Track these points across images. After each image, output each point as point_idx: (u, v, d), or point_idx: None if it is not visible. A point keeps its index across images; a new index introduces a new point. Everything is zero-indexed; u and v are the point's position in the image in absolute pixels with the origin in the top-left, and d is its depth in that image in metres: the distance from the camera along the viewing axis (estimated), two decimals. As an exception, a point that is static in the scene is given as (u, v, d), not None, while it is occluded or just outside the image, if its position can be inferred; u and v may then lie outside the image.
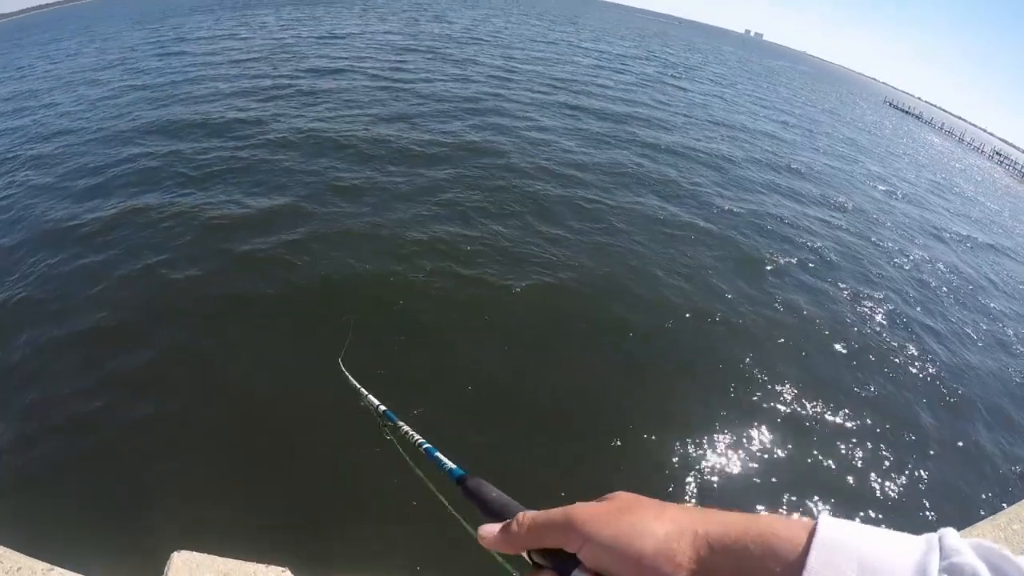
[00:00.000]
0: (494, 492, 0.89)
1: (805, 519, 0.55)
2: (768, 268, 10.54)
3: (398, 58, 23.30)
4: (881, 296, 10.65)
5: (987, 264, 15.55)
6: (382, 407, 1.84)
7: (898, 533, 0.53)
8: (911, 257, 13.54)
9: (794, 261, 11.00)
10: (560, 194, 11.60)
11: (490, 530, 0.74)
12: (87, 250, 8.57)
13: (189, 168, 11.56)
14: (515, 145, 14.23)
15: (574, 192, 11.79)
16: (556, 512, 0.67)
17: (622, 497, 0.67)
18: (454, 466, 1.10)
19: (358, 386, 2.09)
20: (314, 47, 25.50)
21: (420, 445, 1.34)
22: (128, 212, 9.68)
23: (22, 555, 2.65)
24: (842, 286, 10.60)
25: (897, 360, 8.75)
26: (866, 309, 10.04)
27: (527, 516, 0.70)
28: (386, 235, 9.17)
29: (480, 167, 12.40)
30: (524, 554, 0.72)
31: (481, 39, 34.03)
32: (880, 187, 19.93)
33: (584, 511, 0.64)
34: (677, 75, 36.09)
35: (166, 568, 2.62)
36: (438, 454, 1.21)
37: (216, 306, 7.41)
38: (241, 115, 14.77)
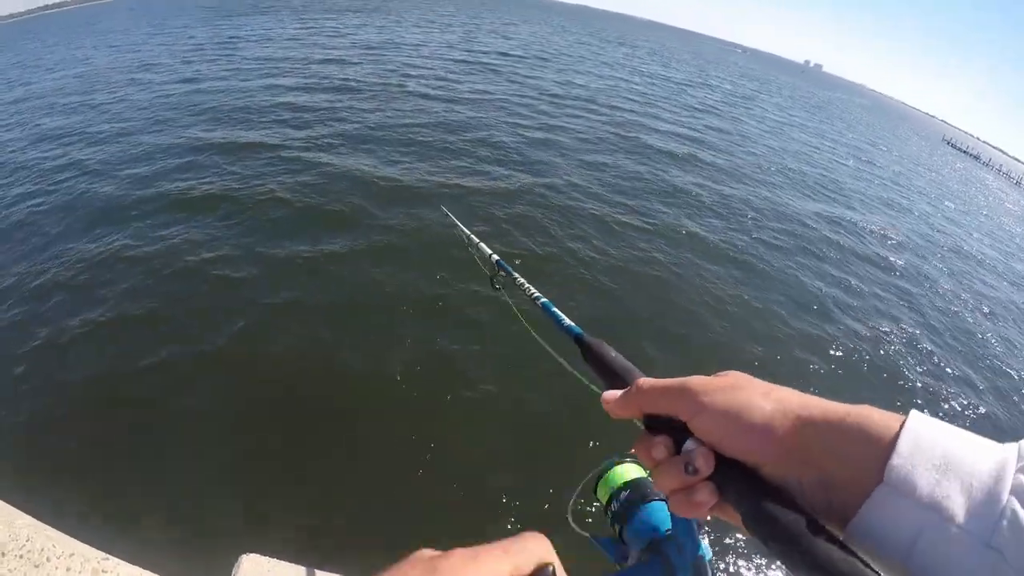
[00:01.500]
0: (613, 353, 0.89)
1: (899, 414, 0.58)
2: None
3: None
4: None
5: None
6: (495, 256, 1.83)
7: (984, 438, 0.55)
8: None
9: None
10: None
11: (612, 394, 0.77)
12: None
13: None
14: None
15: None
16: (674, 380, 0.70)
17: (735, 375, 0.69)
18: (572, 323, 1.08)
19: (468, 232, 2.01)
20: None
21: (536, 299, 1.31)
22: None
23: (76, 541, 2.52)
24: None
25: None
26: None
27: (647, 381, 0.74)
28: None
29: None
30: (639, 423, 0.76)
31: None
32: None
33: (700, 382, 0.68)
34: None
35: (234, 571, 2.50)
36: (555, 310, 1.18)
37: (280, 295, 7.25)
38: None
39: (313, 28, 33.67)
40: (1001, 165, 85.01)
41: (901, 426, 0.55)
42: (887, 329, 9.97)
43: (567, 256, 8.97)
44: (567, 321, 1.10)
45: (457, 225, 2.18)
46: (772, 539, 0.55)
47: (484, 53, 29.36)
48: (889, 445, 0.54)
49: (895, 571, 0.52)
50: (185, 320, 6.65)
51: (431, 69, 22.00)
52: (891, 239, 15.65)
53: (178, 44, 28.07)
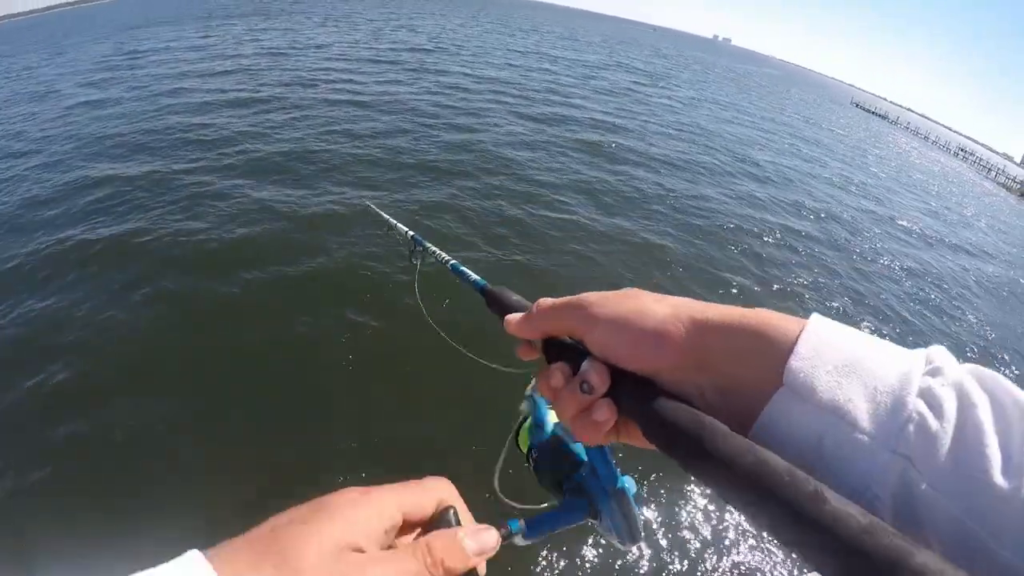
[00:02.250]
0: (515, 296, 0.92)
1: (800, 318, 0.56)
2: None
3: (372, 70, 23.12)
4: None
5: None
6: (410, 232, 1.85)
7: (891, 343, 0.53)
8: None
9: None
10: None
11: (514, 316, 0.76)
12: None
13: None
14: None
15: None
16: (569, 297, 0.68)
17: (630, 289, 0.67)
18: (477, 277, 1.11)
19: (387, 217, 2.06)
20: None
21: (446, 262, 1.38)
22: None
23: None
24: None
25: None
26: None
27: (545, 300, 0.72)
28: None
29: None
30: (541, 354, 0.75)
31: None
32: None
33: (595, 296, 0.66)
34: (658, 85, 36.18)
35: None
36: (463, 268, 1.22)
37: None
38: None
39: (217, 37, 32.56)
40: (908, 122, 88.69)
41: (802, 329, 0.53)
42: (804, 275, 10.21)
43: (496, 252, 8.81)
44: (473, 276, 1.14)
45: (380, 214, 2.21)
46: (674, 444, 0.54)
47: (393, 50, 28.85)
48: (789, 347, 0.52)
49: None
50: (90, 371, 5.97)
51: (339, 72, 21.52)
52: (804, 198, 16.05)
53: (78, 64, 26.63)
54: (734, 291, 9.17)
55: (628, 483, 0.86)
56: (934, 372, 0.50)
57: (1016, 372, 9.74)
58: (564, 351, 0.69)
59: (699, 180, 14.90)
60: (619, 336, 0.61)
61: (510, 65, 28.45)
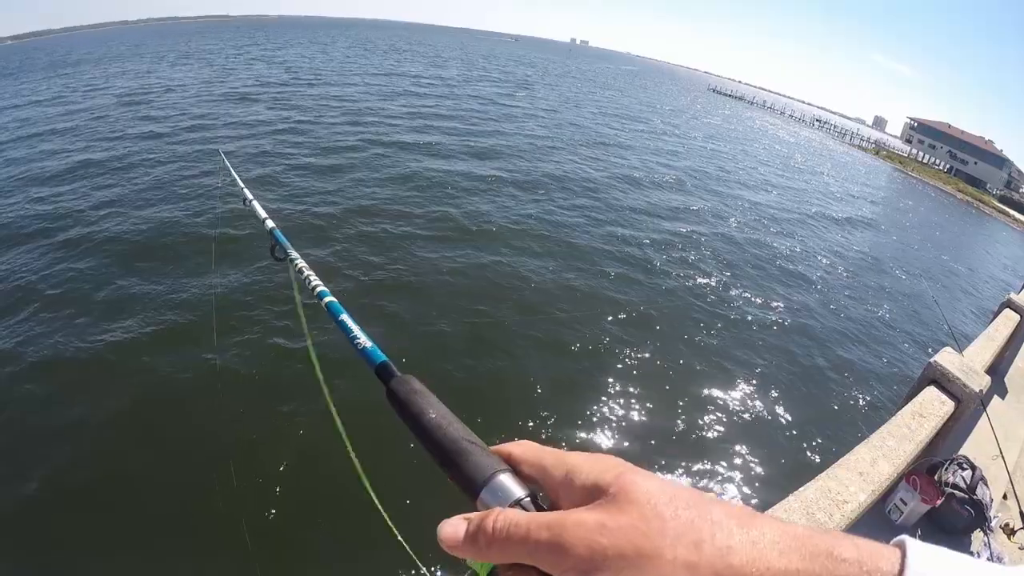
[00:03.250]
0: (433, 413, 0.62)
1: (886, 546, 0.40)
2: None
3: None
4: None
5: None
6: (269, 222, 1.55)
7: (995, 566, 0.38)
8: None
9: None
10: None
11: (453, 530, 0.51)
12: None
13: None
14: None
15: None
16: (546, 531, 0.45)
17: (634, 502, 0.45)
18: (370, 344, 0.79)
19: (243, 185, 1.76)
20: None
21: (320, 295, 1.01)
22: None
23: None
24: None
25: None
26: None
27: (503, 522, 0.48)
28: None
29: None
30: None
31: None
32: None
33: (585, 539, 0.44)
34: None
35: None
36: (345, 318, 0.89)
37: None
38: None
39: (67, 85, 30.49)
40: (765, 101, 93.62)
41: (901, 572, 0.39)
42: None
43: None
44: (361, 340, 0.81)
45: (231, 174, 1.96)
46: None
47: (259, 83, 27.88)
48: None
49: None
50: None
51: (188, 113, 20.45)
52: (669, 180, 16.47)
53: None
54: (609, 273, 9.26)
55: None
56: None
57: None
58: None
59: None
60: None
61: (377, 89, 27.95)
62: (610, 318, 8.18)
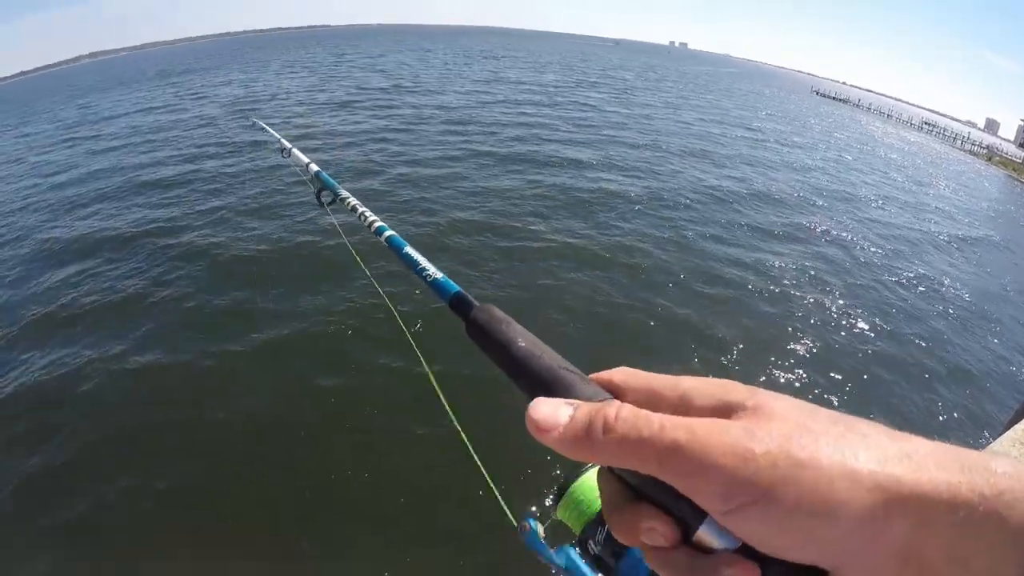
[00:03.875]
0: (522, 342, 0.55)
1: None
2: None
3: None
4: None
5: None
6: (313, 166, 1.50)
7: None
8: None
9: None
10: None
11: (549, 414, 0.44)
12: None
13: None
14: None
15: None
16: (684, 431, 0.39)
17: (777, 414, 0.39)
18: (441, 275, 0.73)
19: (279, 136, 1.73)
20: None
21: (379, 231, 0.96)
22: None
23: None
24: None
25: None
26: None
27: (630, 413, 0.41)
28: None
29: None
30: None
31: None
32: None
33: (734, 447, 0.37)
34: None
35: None
36: (411, 251, 0.83)
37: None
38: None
39: (175, 93, 32.25)
40: (871, 104, 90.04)
41: None
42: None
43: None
44: (431, 271, 0.74)
45: (267, 131, 1.96)
46: None
47: (362, 90, 28.77)
48: None
49: None
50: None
51: (288, 113, 21.35)
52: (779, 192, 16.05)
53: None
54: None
55: None
56: None
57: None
58: (655, 488, 0.42)
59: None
60: (792, 537, 0.37)
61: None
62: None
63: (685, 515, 0.40)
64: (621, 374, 0.48)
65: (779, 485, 0.36)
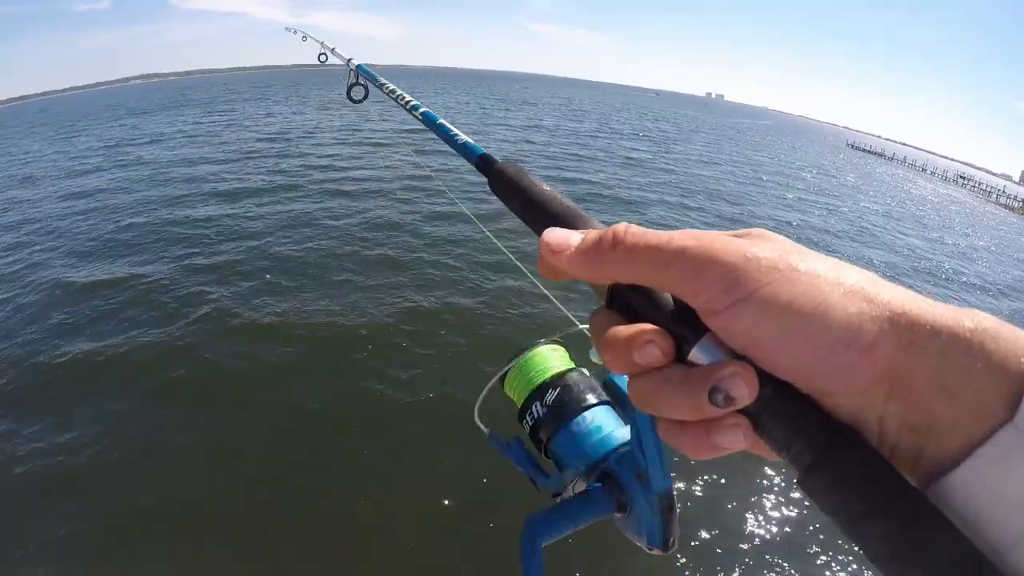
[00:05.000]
0: (547, 189, 0.59)
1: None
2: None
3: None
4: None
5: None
6: (354, 61, 1.58)
7: None
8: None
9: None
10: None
11: (562, 236, 0.47)
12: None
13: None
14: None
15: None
16: (685, 239, 0.40)
17: (774, 238, 0.43)
18: (470, 139, 0.78)
19: (320, 40, 1.76)
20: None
21: (413, 108, 1.06)
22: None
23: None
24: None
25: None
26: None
27: (634, 230, 0.43)
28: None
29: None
30: (597, 294, 0.49)
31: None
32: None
33: (737, 249, 0.39)
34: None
35: None
36: (443, 120, 0.90)
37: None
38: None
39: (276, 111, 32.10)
40: (905, 156, 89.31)
41: None
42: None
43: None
44: (462, 136, 0.81)
45: (308, 36, 2.05)
46: (845, 511, 0.34)
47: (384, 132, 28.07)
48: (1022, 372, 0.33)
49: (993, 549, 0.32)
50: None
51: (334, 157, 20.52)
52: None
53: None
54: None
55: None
56: None
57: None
58: (655, 308, 0.43)
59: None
60: (785, 337, 0.37)
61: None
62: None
63: (684, 331, 0.41)
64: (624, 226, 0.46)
65: (777, 283, 0.37)
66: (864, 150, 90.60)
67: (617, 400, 0.81)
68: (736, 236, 0.43)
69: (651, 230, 0.42)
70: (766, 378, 0.38)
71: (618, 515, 0.68)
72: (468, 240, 10.77)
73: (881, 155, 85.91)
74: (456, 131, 0.83)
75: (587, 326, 0.49)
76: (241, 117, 35.74)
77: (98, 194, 15.82)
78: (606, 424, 0.77)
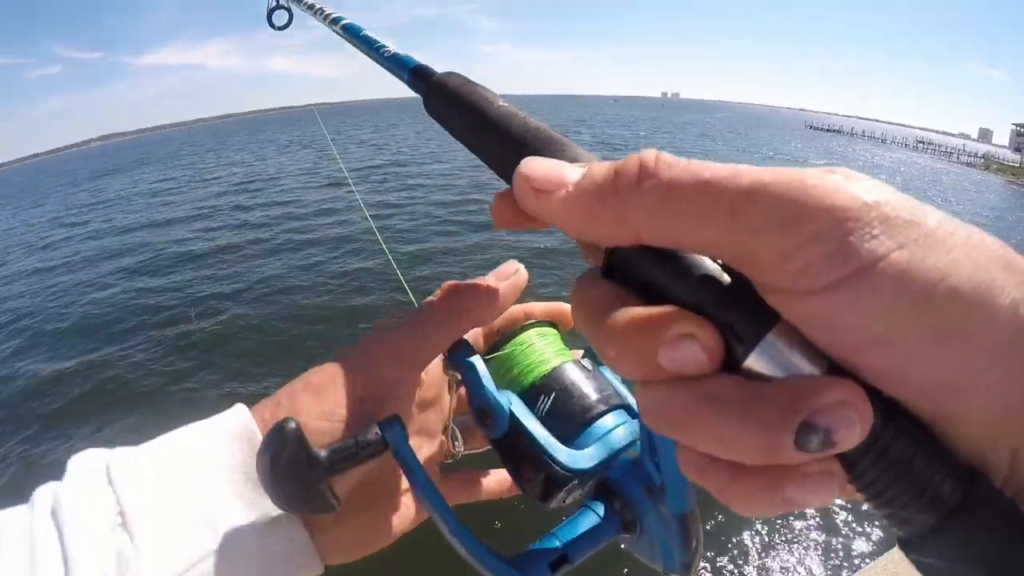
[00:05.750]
0: (509, 106, 0.44)
1: None
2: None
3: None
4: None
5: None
6: None
7: None
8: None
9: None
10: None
11: (551, 169, 0.30)
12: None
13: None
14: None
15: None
16: (767, 172, 0.23)
17: (868, 179, 0.24)
18: (400, 51, 0.63)
19: None
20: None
21: (335, 21, 0.86)
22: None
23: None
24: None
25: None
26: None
27: (668, 158, 0.26)
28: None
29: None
30: (587, 259, 0.35)
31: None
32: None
33: (847, 189, 0.22)
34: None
35: None
36: (367, 32, 0.73)
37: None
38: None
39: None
40: (863, 131, 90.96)
41: None
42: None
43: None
44: (389, 47, 0.65)
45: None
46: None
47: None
48: None
49: None
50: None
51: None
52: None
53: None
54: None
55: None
56: None
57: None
58: (693, 282, 0.26)
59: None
60: (934, 338, 0.22)
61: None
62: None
63: (741, 321, 0.24)
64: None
65: (919, 244, 0.21)
66: (822, 129, 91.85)
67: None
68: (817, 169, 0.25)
69: (695, 160, 0.26)
70: (876, 402, 0.23)
71: (626, 536, 0.51)
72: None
73: (840, 132, 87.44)
74: (383, 42, 0.67)
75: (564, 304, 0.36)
76: (202, 171, 35.51)
77: (56, 269, 15.27)
78: (611, 439, 0.53)
